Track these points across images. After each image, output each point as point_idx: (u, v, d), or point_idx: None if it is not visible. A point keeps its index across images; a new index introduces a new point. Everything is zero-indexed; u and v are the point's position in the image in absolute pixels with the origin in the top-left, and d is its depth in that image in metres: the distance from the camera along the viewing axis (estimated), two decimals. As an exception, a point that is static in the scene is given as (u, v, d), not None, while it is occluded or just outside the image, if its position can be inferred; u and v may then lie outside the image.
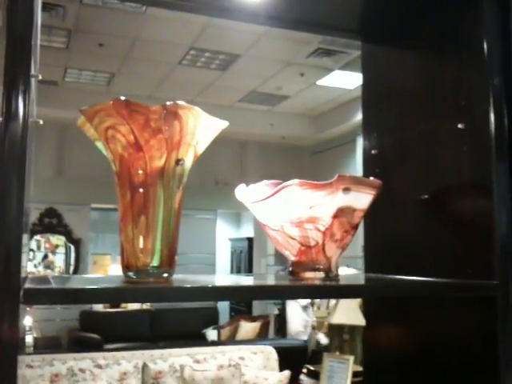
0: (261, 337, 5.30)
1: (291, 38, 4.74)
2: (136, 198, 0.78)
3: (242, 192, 0.86)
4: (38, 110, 0.89)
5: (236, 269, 8.89)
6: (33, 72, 0.66)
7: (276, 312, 7.03)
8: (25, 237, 0.62)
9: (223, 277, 0.99)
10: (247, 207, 0.87)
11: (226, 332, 5.72)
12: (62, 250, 6.91)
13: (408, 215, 1.03)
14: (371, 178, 0.90)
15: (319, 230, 0.85)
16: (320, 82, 5.90)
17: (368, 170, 1.13)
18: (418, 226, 1.00)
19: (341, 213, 0.85)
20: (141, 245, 0.77)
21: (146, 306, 6.84)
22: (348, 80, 5.74)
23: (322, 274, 0.88)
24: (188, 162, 0.81)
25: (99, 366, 3.53)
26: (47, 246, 6.94)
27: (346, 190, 0.85)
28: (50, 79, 5.84)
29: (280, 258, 8.46)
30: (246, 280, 0.95)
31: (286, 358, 3.96)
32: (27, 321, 5.21)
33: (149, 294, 0.64)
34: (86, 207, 6.83)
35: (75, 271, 6.75)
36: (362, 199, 0.86)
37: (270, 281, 0.90)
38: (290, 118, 7.15)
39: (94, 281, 0.84)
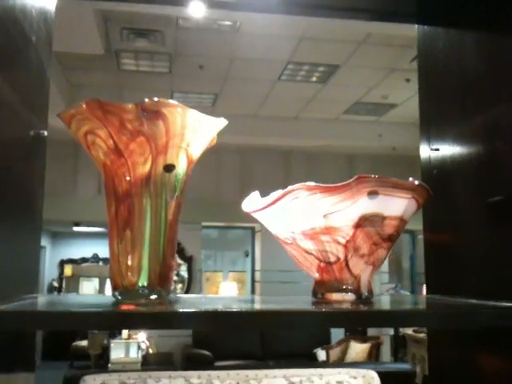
0: (371, 359, 5.01)
1: (391, 43, 4.51)
2: (120, 210, 0.69)
3: (251, 201, 0.75)
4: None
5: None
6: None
7: (391, 332, 6.65)
8: None
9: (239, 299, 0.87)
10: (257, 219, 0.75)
11: (336, 352, 5.49)
12: (183, 267, 7.13)
13: (475, 222, 0.84)
14: (411, 179, 0.75)
15: (339, 243, 0.70)
16: (428, 88, 5.55)
17: (425, 172, 0.96)
18: (487, 236, 0.82)
19: (366, 222, 0.70)
20: (126, 262, 0.69)
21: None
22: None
23: (351, 296, 0.74)
24: (181, 168, 0.71)
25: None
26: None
27: (373, 193, 0.70)
28: (159, 104, 6.08)
29: (395, 275, 8.05)
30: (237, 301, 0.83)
31: (389, 385, 3.66)
32: (141, 337, 5.40)
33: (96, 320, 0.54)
34: (197, 225, 7.00)
35: (188, 288, 6.92)
36: (393, 205, 0.71)
37: (276, 304, 0.76)
38: (399, 127, 6.81)
39: (71, 302, 0.77)
